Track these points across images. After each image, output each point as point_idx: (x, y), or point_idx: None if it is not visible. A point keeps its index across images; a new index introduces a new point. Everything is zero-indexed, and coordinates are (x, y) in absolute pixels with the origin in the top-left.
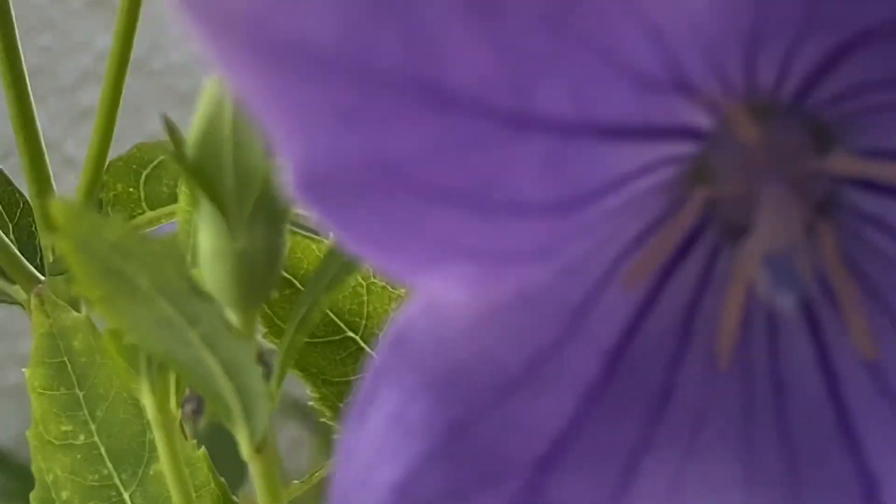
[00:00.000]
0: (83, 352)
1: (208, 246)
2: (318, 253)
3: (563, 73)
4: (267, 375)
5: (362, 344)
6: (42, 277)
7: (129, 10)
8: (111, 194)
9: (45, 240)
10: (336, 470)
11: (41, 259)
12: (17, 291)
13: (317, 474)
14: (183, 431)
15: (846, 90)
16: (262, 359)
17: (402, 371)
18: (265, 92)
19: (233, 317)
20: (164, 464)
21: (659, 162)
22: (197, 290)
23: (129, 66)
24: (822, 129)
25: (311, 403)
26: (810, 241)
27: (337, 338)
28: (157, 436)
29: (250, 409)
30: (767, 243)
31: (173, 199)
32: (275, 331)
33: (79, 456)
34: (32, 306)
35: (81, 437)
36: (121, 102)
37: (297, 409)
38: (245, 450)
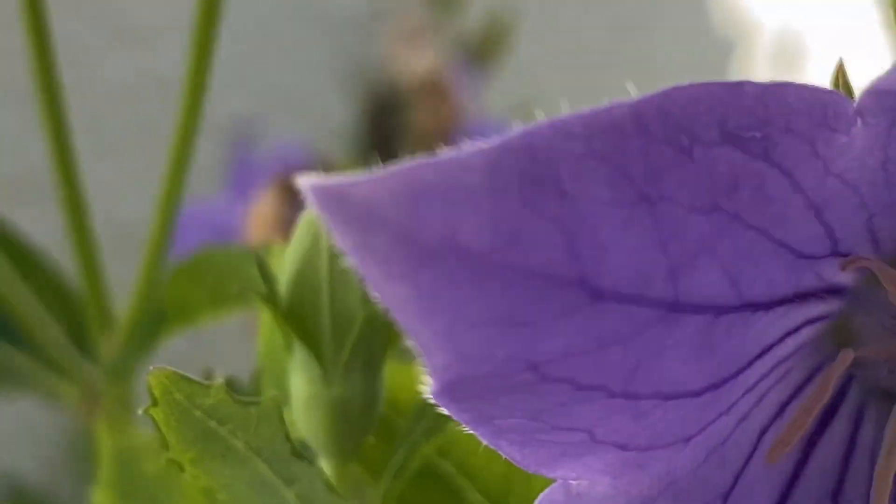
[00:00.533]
0: (154, 476)
1: (302, 391)
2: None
3: (721, 255)
4: None
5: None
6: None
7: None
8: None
9: (96, 334)
10: None
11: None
12: (63, 387)
13: None
14: None
15: None
16: None
17: None
18: (412, 297)
19: (330, 470)
20: None
21: (803, 323)
22: (295, 451)
23: None
24: None
25: None
26: None
27: None
28: None
29: None
30: None
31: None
32: (374, 474)
33: None
34: (99, 424)
35: None
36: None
37: None
38: None
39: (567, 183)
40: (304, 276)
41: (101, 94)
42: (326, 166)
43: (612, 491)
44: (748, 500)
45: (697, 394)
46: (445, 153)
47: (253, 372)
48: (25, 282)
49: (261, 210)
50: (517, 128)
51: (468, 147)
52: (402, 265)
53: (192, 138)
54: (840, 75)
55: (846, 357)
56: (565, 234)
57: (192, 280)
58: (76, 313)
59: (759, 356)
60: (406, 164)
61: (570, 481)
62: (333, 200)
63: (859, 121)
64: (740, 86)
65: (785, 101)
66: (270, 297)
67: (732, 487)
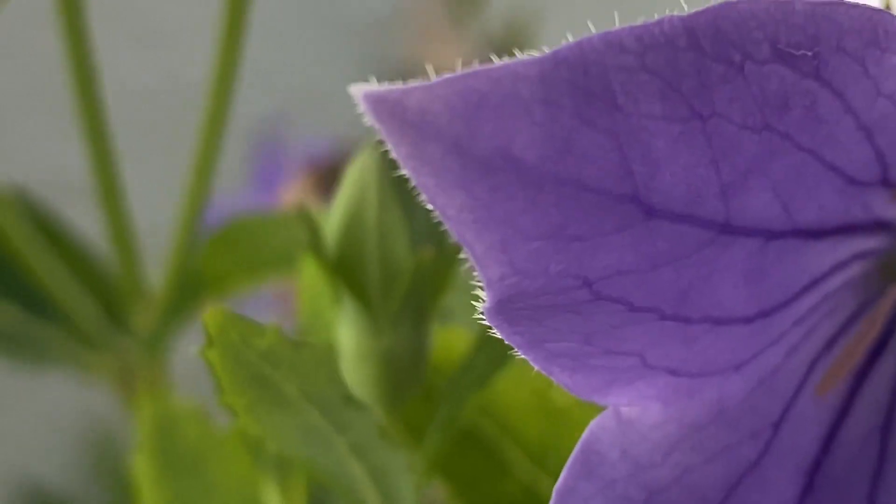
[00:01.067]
0: (197, 442)
1: (351, 344)
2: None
3: (772, 176)
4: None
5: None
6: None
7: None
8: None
9: (130, 306)
10: None
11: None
12: (98, 361)
13: None
14: None
15: None
16: None
17: (590, 494)
18: (466, 208)
19: (382, 419)
20: None
21: (850, 257)
22: (348, 398)
23: None
24: None
25: None
26: None
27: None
28: None
29: None
30: None
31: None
32: (418, 432)
33: None
34: (138, 393)
35: None
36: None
37: None
38: None
39: (620, 96)
40: (351, 228)
41: (124, 96)
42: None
43: (664, 417)
44: (798, 431)
45: (748, 320)
46: (498, 62)
47: (294, 331)
48: (57, 255)
49: (291, 199)
50: (568, 41)
51: (522, 57)
52: (456, 175)
53: (223, 125)
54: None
55: (893, 293)
56: (618, 147)
57: (228, 248)
58: (109, 286)
59: (809, 288)
60: (460, 73)
61: (622, 407)
62: (387, 109)
63: None
64: (791, 4)
65: (835, 19)
66: (317, 251)
67: (782, 417)
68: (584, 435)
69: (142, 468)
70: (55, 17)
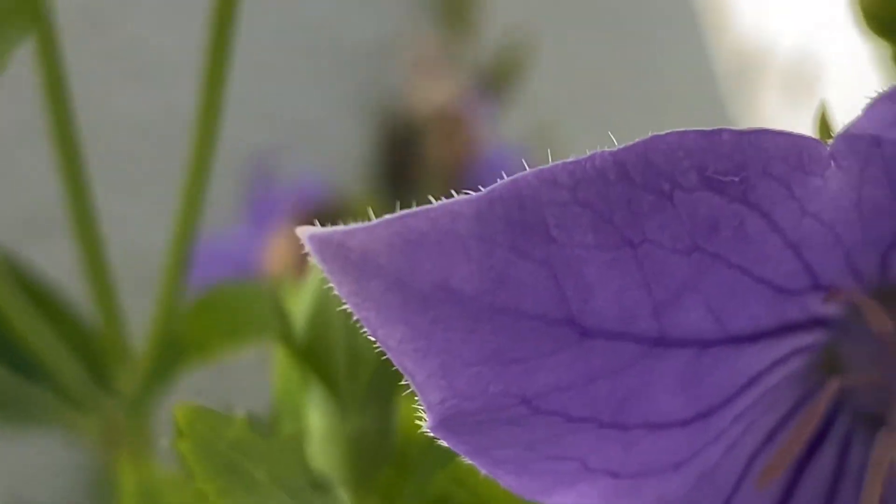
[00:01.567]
0: None
1: (319, 426)
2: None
3: (704, 293)
4: None
5: None
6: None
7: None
8: (191, 331)
9: (114, 368)
10: None
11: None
12: (82, 421)
13: None
14: None
15: None
16: None
17: None
18: (406, 339)
19: (348, 500)
20: None
21: (789, 354)
22: (315, 481)
23: None
24: None
25: None
26: None
27: None
28: None
29: None
30: None
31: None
32: None
33: None
34: (121, 460)
35: None
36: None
37: None
38: None
39: (553, 229)
40: (319, 314)
41: (117, 128)
42: (343, 199)
43: None
44: None
45: (685, 423)
46: (436, 203)
47: (270, 406)
48: (42, 316)
49: (278, 244)
50: (504, 179)
51: (458, 196)
52: (398, 309)
53: (207, 169)
54: (823, 116)
55: (833, 386)
56: (552, 276)
57: (210, 314)
58: (93, 347)
59: (748, 386)
60: (399, 213)
61: None
62: (331, 249)
63: (833, 164)
64: (718, 133)
65: (761, 146)
66: (286, 335)
67: None
68: None
69: None
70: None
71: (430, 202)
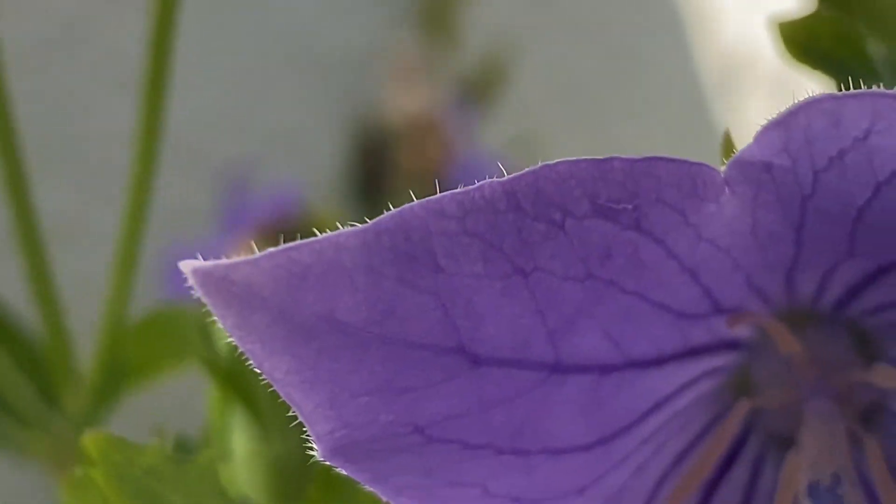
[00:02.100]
0: None
1: (243, 449)
2: None
3: (599, 318)
4: None
5: None
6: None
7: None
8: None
9: (61, 387)
10: None
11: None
12: (31, 440)
13: None
14: None
15: (886, 301)
16: None
17: None
18: (293, 370)
19: None
20: None
21: (698, 376)
22: None
23: None
24: (864, 336)
25: None
26: (856, 449)
27: None
28: None
29: None
30: (813, 462)
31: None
32: None
33: None
34: (65, 486)
35: None
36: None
37: None
38: None
39: (441, 258)
40: None
41: (102, 142)
42: (316, 209)
43: None
44: None
45: (588, 447)
46: (322, 235)
47: (203, 429)
48: None
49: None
50: (390, 211)
51: (344, 229)
52: (282, 341)
53: (149, 185)
54: (727, 139)
55: (742, 408)
56: (441, 306)
57: (153, 335)
58: (41, 366)
59: (654, 409)
60: (284, 246)
61: None
62: (213, 283)
63: (727, 190)
64: (609, 162)
65: (654, 174)
66: (210, 360)
67: None
68: None
69: None
70: None
71: None
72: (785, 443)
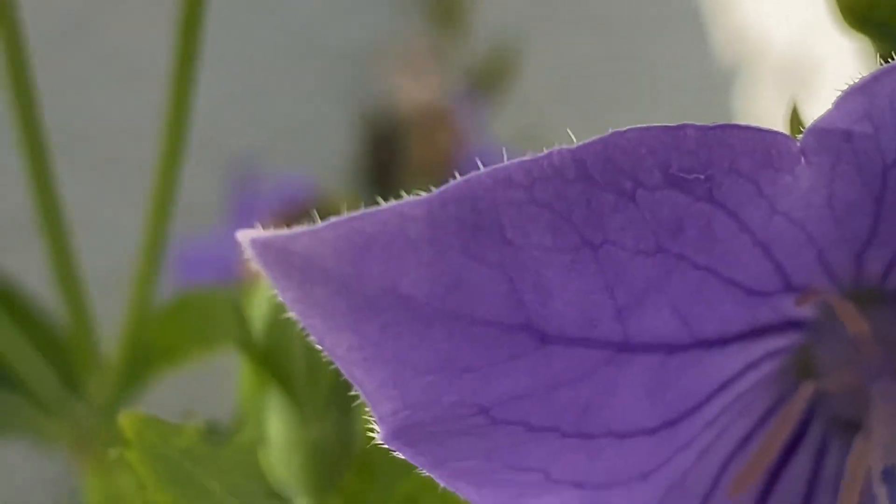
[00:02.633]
0: None
1: (279, 434)
2: None
3: (669, 295)
4: None
5: None
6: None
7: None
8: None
9: (84, 374)
10: None
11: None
12: (53, 428)
13: None
14: None
15: None
16: None
17: None
18: (355, 347)
19: None
20: None
21: (762, 357)
22: (270, 492)
23: None
24: None
25: None
26: None
27: None
28: None
29: None
30: (883, 446)
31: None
32: None
33: None
34: (88, 466)
35: None
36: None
37: None
38: None
39: (509, 230)
40: (277, 318)
41: (99, 133)
42: (326, 200)
43: None
44: None
45: (653, 431)
46: (385, 204)
47: (234, 414)
48: (12, 323)
49: None
50: (457, 179)
51: (409, 198)
52: (344, 316)
53: (176, 175)
54: (794, 111)
55: (806, 390)
56: (508, 280)
57: (180, 320)
58: (64, 353)
59: (718, 391)
60: (346, 216)
61: None
62: (273, 254)
63: (803, 160)
64: (682, 129)
65: (727, 142)
66: (245, 341)
67: None
68: None
69: None
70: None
71: None
72: (850, 427)
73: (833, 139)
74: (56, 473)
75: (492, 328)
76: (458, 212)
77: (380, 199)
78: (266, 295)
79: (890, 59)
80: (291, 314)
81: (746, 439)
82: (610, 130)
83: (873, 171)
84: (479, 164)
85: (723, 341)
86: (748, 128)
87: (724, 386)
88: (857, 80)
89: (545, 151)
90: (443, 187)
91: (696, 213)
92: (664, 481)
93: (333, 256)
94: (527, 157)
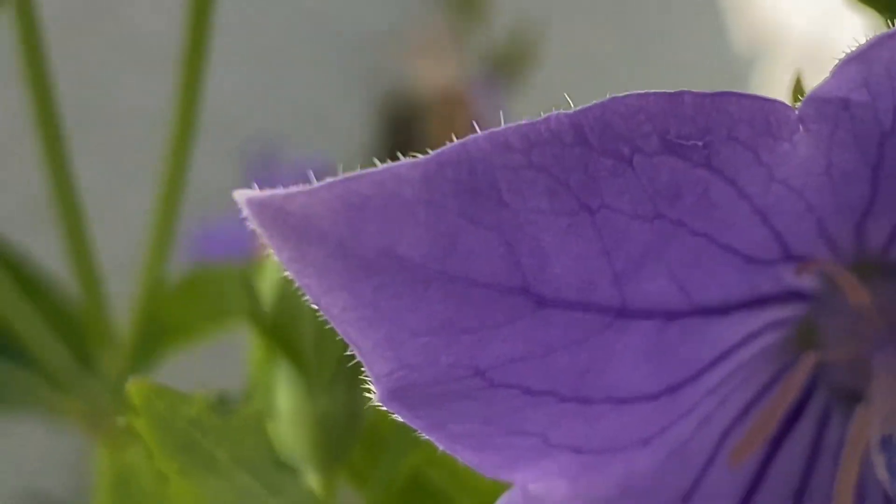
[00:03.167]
0: (154, 494)
1: (287, 406)
2: None
3: (667, 261)
4: None
5: None
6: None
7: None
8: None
9: (97, 350)
10: None
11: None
12: (67, 404)
13: None
14: None
15: None
16: None
17: None
18: (350, 307)
19: (315, 480)
20: None
21: (764, 327)
22: (279, 462)
23: None
24: None
25: None
26: None
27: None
28: None
29: None
30: (883, 416)
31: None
32: (362, 483)
33: None
34: (101, 441)
35: None
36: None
37: None
38: None
39: (505, 193)
40: (285, 290)
41: (117, 115)
42: None
43: (571, 493)
44: (710, 501)
45: (653, 397)
46: (382, 166)
47: (244, 387)
48: (26, 299)
49: None
50: (453, 142)
51: (405, 160)
52: (341, 277)
53: (188, 151)
54: (797, 81)
55: (808, 361)
56: (505, 243)
57: (192, 296)
58: (77, 330)
59: (720, 360)
60: (343, 176)
61: (529, 484)
62: (270, 214)
63: (801, 128)
64: (680, 96)
65: (726, 110)
66: (255, 314)
67: (694, 488)
68: None
69: None
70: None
71: None
72: (852, 397)
73: (831, 107)
74: (69, 456)
75: (489, 291)
76: (454, 174)
77: (377, 162)
78: (276, 269)
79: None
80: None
81: (747, 409)
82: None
83: (871, 139)
84: (477, 127)
85: (724, 310)
86: (746, 95)
87: (725, 355)
88: (854, 48)
89: (542, 116)
90: (439, 150)
91: (694, 180)
92: (664, 448)
93: (329, 217)
94: (524, 122)
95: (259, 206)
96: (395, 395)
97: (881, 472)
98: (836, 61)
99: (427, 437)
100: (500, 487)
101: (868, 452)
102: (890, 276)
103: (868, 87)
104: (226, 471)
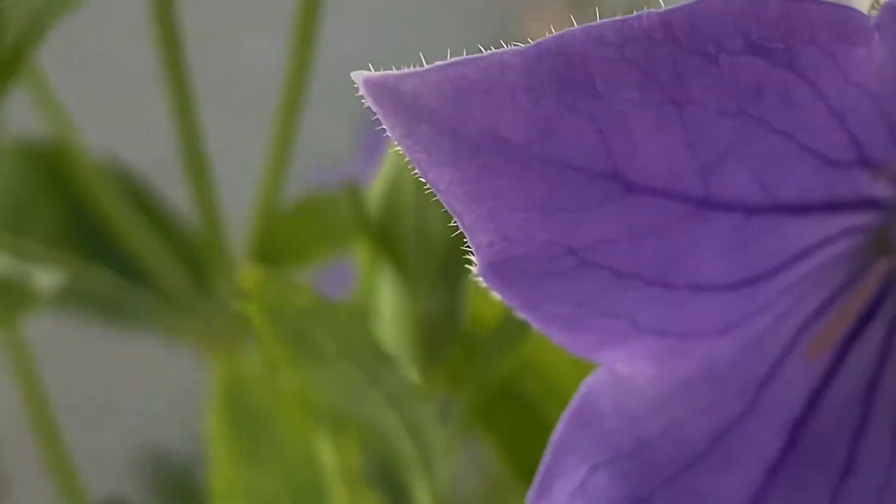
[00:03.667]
0: (265, 403)
1: (390, 306)
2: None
3: (748, 157)
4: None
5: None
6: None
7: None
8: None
9: (216, 279)
10: None
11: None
12: (180, 323)
13: None
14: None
15: None
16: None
17: (585, 444)
18: (455, 182)
19: (415, 374)
20: None
21: (840, 233)
22: (381, 354)
23: None
24: None
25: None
26: None
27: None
28: (340, 490)
29: (431, 466)
30: None
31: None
32: (457, 386)
33: None
34: (214, 353)
35: (260, 487)
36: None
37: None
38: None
39: (600, 84)
40: (390, 197)
41: (250, 76)
42: None
43: (655, 375)
44: (784, 390)
45: (732, 287)
46: (486, 53)
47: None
48: (145, 222)
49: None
50: (552, 33)
51: (508, 48)
52: (447, 153)
53: (308, 70)
54: None
55: (880, 268)
56: (597, 130)
57: (306, 219)
58: (194, 252)
59: (796, 259)
60: (451, 61)
61: (617, 365)
62: (384, 93)
63: (877, 35)
64: (764, 1)
65: (806, 15)
66: (361, 221)
67: (769, 377)
68: (581, 389)
69: (214, 425)
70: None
71: None
72: None
73: None
74: (187, 413)
75: (582, 174)
76: (553, 63)
77: (481, 48)
78: (381, 175)
79: None
80: (410, 189)
81: (821, 310)
82: None
83: None
84: (574, 21)
85: (802, 209)
86: (826, 3)
87: (801, 255)
88: None
89: (635, 14)
90: (538, 41)
91: (776, 79)
92: (741, 338)
93: (438, 98)
94: (618, 18)
95: (374, 86)
96: (494, 267)
97: None
98: None
99: (523, 315)
100: None
101: None
102: None
103: None
104: (331, 361)
